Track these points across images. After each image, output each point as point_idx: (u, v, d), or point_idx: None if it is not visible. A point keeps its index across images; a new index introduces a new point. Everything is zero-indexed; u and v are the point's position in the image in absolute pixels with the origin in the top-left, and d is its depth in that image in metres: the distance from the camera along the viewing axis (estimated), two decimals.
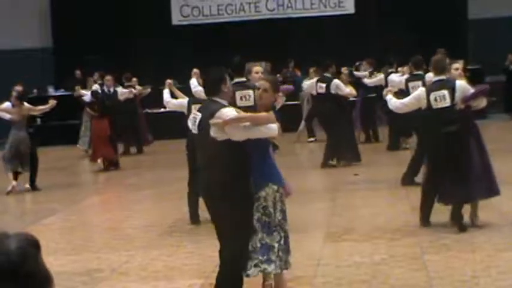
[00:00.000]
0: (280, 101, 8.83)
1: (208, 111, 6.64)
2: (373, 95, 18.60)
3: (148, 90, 20.87)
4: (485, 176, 9.86)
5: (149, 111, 22.32)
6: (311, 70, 19.79)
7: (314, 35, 25.42)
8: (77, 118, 21.81)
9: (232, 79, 9.43)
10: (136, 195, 14.42)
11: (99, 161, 17.61)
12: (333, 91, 15.90)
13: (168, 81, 12.99)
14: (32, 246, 2.57)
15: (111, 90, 18.43)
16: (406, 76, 14.52)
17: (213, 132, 6.56)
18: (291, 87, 11.89)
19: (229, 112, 6.58)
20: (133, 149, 20.77)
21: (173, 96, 12.08)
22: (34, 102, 24.55)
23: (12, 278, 2.49)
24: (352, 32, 24.91)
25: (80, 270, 8.88)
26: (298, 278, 7.94)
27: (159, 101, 22.16)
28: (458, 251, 8.72)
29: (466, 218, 9.92)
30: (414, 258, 8.51)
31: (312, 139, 20.84)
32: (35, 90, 24.69)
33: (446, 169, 9.70)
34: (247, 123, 6.57)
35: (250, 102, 10.04)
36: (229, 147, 6.55)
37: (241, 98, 10.40)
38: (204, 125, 6.62)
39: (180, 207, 12.74)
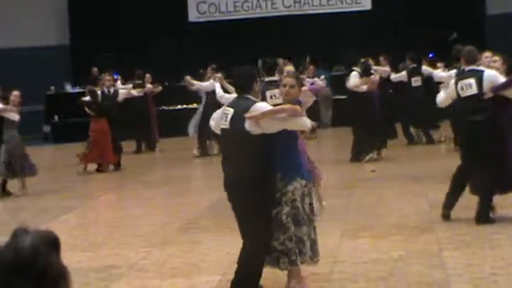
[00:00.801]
0: (310, 99, 9.02)
1: (242, 106, 6.89)
2: (390, 90, 18.55)
3: (160, 88, 20.78)
4: None
5: (165, 108, 22.33)
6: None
7: (331, 32, 25.37)
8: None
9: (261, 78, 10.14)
10: (152, 192, 14.44)
11: (104, 165, 17.10)
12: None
13: (219, 75, 13.20)
14: (46, 245, 2.57)
15: (111, 90, 18.02)
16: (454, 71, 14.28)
17: (247, 126, 6.80)
18: (319, 86, 11.96)
19: (264, 105, 6.96)
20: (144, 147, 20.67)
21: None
22: (52, 99, 24.78)
23: (24, 274, 2.50)
24: (369, 28, 24.83)
25: (97, 266, 8.90)
26: (314, 274, 7.92)
27: (175, 98, 22.31)
28: (477, 248, 8.67)
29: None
30: (432, 255, 8.46)
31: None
32: (52, 88, 24.80)
33: (476, 159, 9.67)
34: (283, 115, 6.91)
35: (280, 100, 10.12)
36: (261, 141, 6.82)
37: (271, 97, 10.64)
38: (237, 120, 6.84)
39: (196, 203, 12.75)
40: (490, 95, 9.67)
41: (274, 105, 8.88)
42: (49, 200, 14.41)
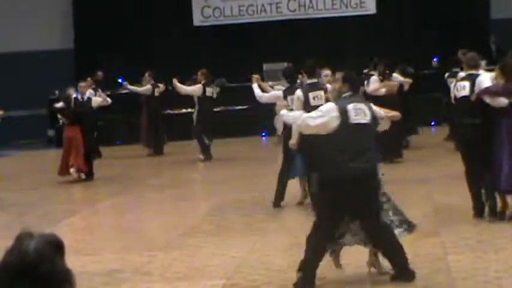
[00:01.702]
0: None
1: (366, 104, 7.72)
2: None
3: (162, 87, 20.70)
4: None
5: (170, 111, 22.33)
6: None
7: (335, 36, 25.35)
8: (101, 119, 21.87)
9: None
10: (157, 195, 14.43)
11: (71, 170, 16.27)
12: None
13: (256, 76, 13.30)
14: (51, 248, 2.57)
15: (85, 97, 17.24)
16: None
17: (382, 123, 7.84)
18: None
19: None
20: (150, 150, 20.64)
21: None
22: (56, 103, 24.75)
23: (28, 278, 2.50)
24: (374, 32, 24.82)
25: (101, 270, 8.89)
26: (319, 279, 7.90)
27: (179, 102, 22.29)
28: (481, 252, 8.65)
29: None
30: (437, 259, 8.45)
31: None
32: (56, 92, 24.82)
33: (473, 159, 10.13)
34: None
35: (322, 101, 10.90)
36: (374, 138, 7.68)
37: (313, 98, 11.34)
38: (371, 116, 7.56)
39: (201, 207, 12.75)
40: (474, 97, 10.06)
41: (318, 105, 10.04)
42: (54, 204, 14.42)
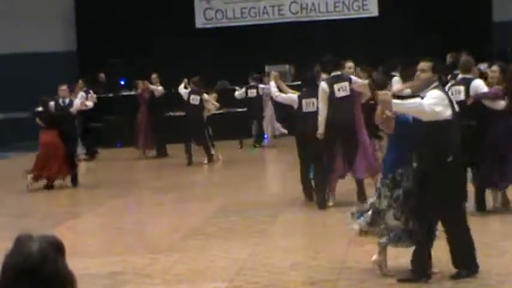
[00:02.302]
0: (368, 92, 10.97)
1: None
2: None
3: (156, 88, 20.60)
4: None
5: (172, 114, 22.31)
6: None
7: (337, 38, 25.34)
8: (101, 121, 21.90)
9: (329, 73, 11.77)
10: (159, 198, 14.42)
11: (28, 177, 15.58)
12: None
13: (274, 73, 13.27)
14: (54, 249, 2.56)
15: (66, 101, 16.47)
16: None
17: None
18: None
19: None
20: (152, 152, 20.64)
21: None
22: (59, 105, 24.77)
23: (33, 279, 2.48)
24: (376, 34, 24.82)
25: (103, 272, 8.88)
26: (322, 281, 7.89)
27: (181, 104, 22.25)
28: (484, 255, 8.62)
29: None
30: (439, 262, 8.42)
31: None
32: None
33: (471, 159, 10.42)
34: None
35: (347, 92, 11.72)
36: None
37: (338, 89, 11.74)
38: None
39: (202, 210, 12.73)
40: (471, 101, 10.52)
41: (343, 96, 11.55)
42: (56, 206, 14.42)
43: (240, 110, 22.11)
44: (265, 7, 26.48)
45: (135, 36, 25.63)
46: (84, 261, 9.22)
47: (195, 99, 18.46)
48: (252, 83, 21.44)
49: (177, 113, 22.27)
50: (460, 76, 11.03)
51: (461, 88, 10.65)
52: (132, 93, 21.99)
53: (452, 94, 10.34)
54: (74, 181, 16.07)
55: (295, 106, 12.41)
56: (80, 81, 20.93)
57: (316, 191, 12.11)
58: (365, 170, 12.00)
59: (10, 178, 17.59)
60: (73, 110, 16.47)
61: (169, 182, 16.43)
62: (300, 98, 12.39)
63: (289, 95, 12.81)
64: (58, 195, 15.43)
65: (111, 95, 24.23)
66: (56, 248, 2.58)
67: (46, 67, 25.12)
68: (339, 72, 11.94)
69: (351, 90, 11.78)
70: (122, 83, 24.83)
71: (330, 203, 12.10)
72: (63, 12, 26.69)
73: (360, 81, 12.02)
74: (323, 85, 11.80)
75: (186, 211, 12.78)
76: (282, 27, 25.99)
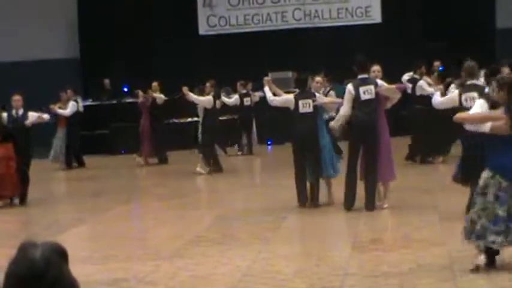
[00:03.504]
0: (397, 96, 12.02)
1: None
2: None
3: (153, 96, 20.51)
4: None
5: (176, 120, 22.34)
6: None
7: (341, 44, 25.36)
8: (105, 128, 21.95)
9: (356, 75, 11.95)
10: (162, 204, 14.43)
11: None
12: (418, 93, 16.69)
13: (267, 78, 13.34)
14: (57, 255, 2.57)
15: (20, 112, 15.29)
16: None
17: None
18: (404, 85, 14.30)
19: None
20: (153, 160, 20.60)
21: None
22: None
23: (36, 285, 2.50)
24: (379, 41, 24.83)
25: (106, 279, 8.89)
26: None
27: (184, 111, 22.29)
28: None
29: None
30: (443, 268, 8.43)
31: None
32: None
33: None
34: None
35: (372, 95, 11.88)
36: None
37: (364, 92, 11.90)
38: None
39: (205, 216, 12.74)
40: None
41: (368, 100, 11.79)
42: (59, 213, 14.43)
43: (231, 117, 22.00)
44: (268, 14, 26.53)
45: (138, 43, 25.68)
46: (88, 268, 9.23)
47: (218, 104, 18.43)
48: (244, 91, 21.34)
49: (181, 120, 22.34)
50: (468, 82, 11.10)
51: (475, 95, 10.74)
52: (135, 100, 22.02)
53: (466, 101, 10.84)
54: (23, 199, 14.83)
55: (292, 107, 12.52)
56: (69, 91, 20.91)
57: (345, 189, 12.14)
58: (387, 173, 12.07)
59: None
60: (28, 122, 15.23)
61: (172, 189, 16.44)
62: (296, 99, 12.50)
63: (284, 96, 12.95)
64: (63, 202, 15.42)
65: (114, 101, 24.27)
66: (60, 255, 2.60)
67: (49, 74, 25.15)
68: (365, 75, 12.07)
69: (376, 93, 11.88)
70: (125, 90, 24.86)
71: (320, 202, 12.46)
72: (66, 19, 26.73)
73: (386, 86, 12.15)
74: (349, 87, 12.10)
75: (189, 218, 12.78)
76: (285, 34, 26.02)
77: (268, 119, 22.12)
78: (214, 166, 17.92)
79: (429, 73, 17.54)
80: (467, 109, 10.47)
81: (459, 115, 8.42)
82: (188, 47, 25.56)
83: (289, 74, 23.69)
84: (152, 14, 26.12)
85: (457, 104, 10.98)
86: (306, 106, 12.44)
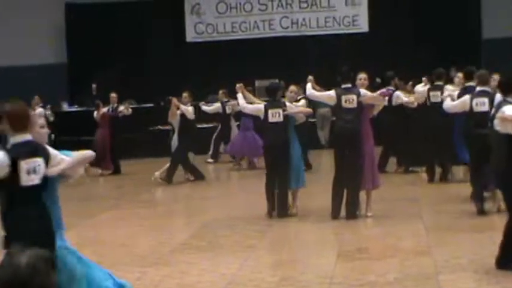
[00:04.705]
0: (381, 103, 12.26)
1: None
2: None
3: (129, 110, 20.17)
4: None
5: (161, 128, 22.27)
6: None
7: (328, 53, 25.43)
8: (91, 134, 21.80)
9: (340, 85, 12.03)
10: (149, 211, 14.40)
11: None
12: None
13: (239, 84, 13.27)
14: (43, 262, 2.57)
15: None
16: (428, 86, 15.99)
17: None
18: (389, 92, 14.54)
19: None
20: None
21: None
22: (49, 117, 24.75)
23: None
24: (366, 50, 24.91)
25: None
26: None
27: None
28: (472, 272, 8.65)
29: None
30: (428, 278, 8.44)
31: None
32: (49, 106, 24.79)
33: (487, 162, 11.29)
34: None
35: (354, 105, 11.92)
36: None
37: (345, 101, 11.94)
38: None
39: (191, 224, 12.72)
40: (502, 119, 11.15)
41: (349, 108, 11.82)
42: None
43: (211, 125, 21.92)
44: (256, 22, 26.55)
45: (125, 49, 25.65)
46: None
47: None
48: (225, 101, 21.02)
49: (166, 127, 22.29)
50: (478, 88, 11.97)
51: (486, 100, 11.65)
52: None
53: (476, 105, 11.70)
54: None
55: (262, 116, 12.54)
56: (36, 97, 20.76)
57: (332, 198, 12.14)
58: (370, 181, 12.10)
59: None
60: None
61: (159, 196, 16.41)
62: (265, 108, 12.51)
63: (256, 105, 12.94)
64: None
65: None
66: (46, 262, 2.59)
67: (36, 79, 25.09)
68: (349, 85, 12.15)
69: (359, 102, 11.90)
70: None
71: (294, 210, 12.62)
72: (54, 24, 26.67)
73: (370, 94, 12.18)
74: (332, 92, 12.27)
75: (175, 225, 12.77)
76: (273, 42, 26.06)
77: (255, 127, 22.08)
78: (195, 174, 17.81)
79: (448, 80, 17.29)
80: (482, 113, 11.27)
81: (509, 114, 8.65)
82: (175, 54, 25.57)
83: (276, 82, 23.72)
84: (140, 21, 26.09)
85: (467, 108, 11.86)
86: (275, 116, 12.42)
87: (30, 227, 5.96)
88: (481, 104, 11.70)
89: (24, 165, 6.00)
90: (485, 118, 11.00)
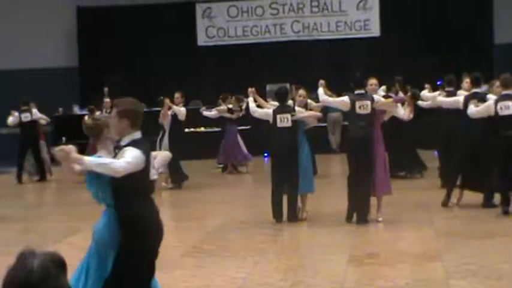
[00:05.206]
0: (394, 109, 12.26)
1: None
2: None
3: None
4: None
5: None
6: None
7: (339, 57, 25.42)
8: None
9: (353, 91, 12.04)
10: None
11: None
12: None
13: (251, 89, 13.28)
14: (55, 265, 2.57)
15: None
16: (439, 92, 15.95)
17: None
18: (403, 97, 14.22)
19: None
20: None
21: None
22: (60, 121, 24.83)
23: None
24: (377, 54, 24.89)
25: None
26: None
27: (197, 121, 22.26)
28: (482, 277, 8.62)
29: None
30: (438, 283, 8.42)
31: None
32: (60, 109, 24.85)
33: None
34: None
35: (368, 111, 11.94)
36: None
37: (359, 107, 11.95)
38: None
39: (201, 228, 12.71)
40: None
41: (364, 114, 11.82)
42: (55, 222, 14.40)
43: (215, 130, 21.91)
44: (267, 26, 26.58)
45: (136, 53, 25.71)
46: None
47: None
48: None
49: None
50: (503, 92, 12.15)
51: (510, 104, 11.95)
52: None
53: (501, 109, 11.95)
54: None
55: (271, 121, 12.55)
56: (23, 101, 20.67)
57: (360, 204, 12.10)
58: (382, 187, 12.08)
59: (11, 193, 17.51)
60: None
61: (167, 200, 16.42)
62: (274, 113, 12.49)
63: (265, 110, 12.92)
64: (59, 211, 15.38)
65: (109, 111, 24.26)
66: (58, 265, 2.60)
67: (47, 83, 25.18)
68: (362, 91, 12.15)
69: (372, 108, 11.90)
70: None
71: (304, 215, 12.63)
72: (66, 28, 26.76)
73: (384, 100, 12.26)
74: (345, 98, 12.29)
75: (185, 229, 12.77)
76: (284, 46, 26.07)
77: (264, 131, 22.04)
78: (178, 178, 17.56)
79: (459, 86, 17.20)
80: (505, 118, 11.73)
81: None
82: (187, 58, 25.61)
83: (287, 86, 23.72)
84: (151, 24, 26.15)
85: (492, 112, 12.06)
86: (283, 121, 12.39)
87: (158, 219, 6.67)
88: (506, 108, 11.98)
89: (152, 161, 6.63)
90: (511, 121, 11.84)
